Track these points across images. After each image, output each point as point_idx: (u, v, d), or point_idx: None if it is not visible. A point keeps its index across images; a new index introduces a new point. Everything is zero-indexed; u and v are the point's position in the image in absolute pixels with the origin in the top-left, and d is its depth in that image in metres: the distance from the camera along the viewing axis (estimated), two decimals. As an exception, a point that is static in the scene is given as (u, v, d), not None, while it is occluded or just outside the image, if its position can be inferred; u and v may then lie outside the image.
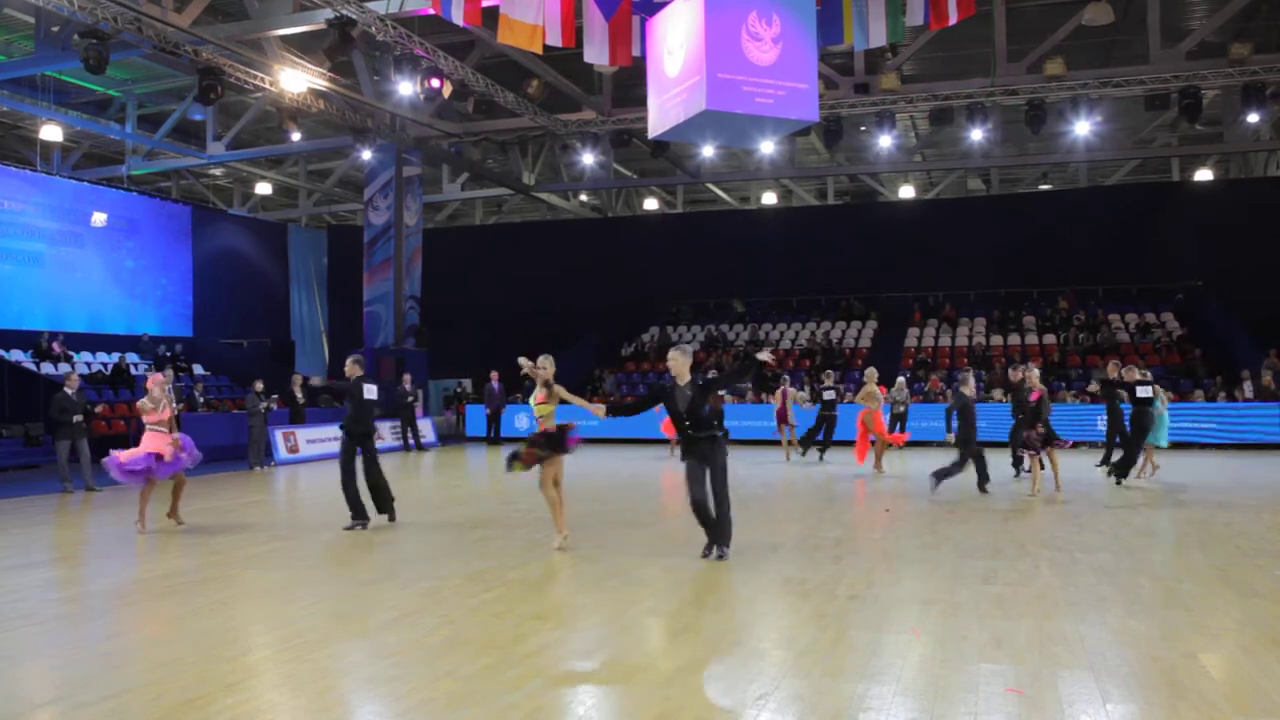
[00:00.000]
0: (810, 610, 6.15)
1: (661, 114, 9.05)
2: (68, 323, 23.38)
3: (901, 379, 18.32)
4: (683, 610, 6.32)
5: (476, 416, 24.39)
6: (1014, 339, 24.96)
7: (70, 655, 5.42)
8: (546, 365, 8.36)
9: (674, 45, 8.77)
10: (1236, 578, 6.96)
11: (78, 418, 13.89)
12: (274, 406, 18.26)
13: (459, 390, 29.44)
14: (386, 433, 21.50)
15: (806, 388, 22.61)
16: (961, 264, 26.85)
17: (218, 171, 29.43)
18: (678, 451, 8.09)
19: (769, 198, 31.76)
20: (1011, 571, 7.24)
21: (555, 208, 31.23)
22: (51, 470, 15.13)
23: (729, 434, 17.54)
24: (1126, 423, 13.62)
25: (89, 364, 22.48)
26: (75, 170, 26.10)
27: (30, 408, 19.07)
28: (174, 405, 10.56)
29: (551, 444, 8.22)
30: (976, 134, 20.25)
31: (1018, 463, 13.45)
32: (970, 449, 11.81)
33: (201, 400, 20.17)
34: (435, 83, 17.39)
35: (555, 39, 10.51)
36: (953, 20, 11.46)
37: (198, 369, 24.29)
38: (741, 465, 16.68)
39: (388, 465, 17.67)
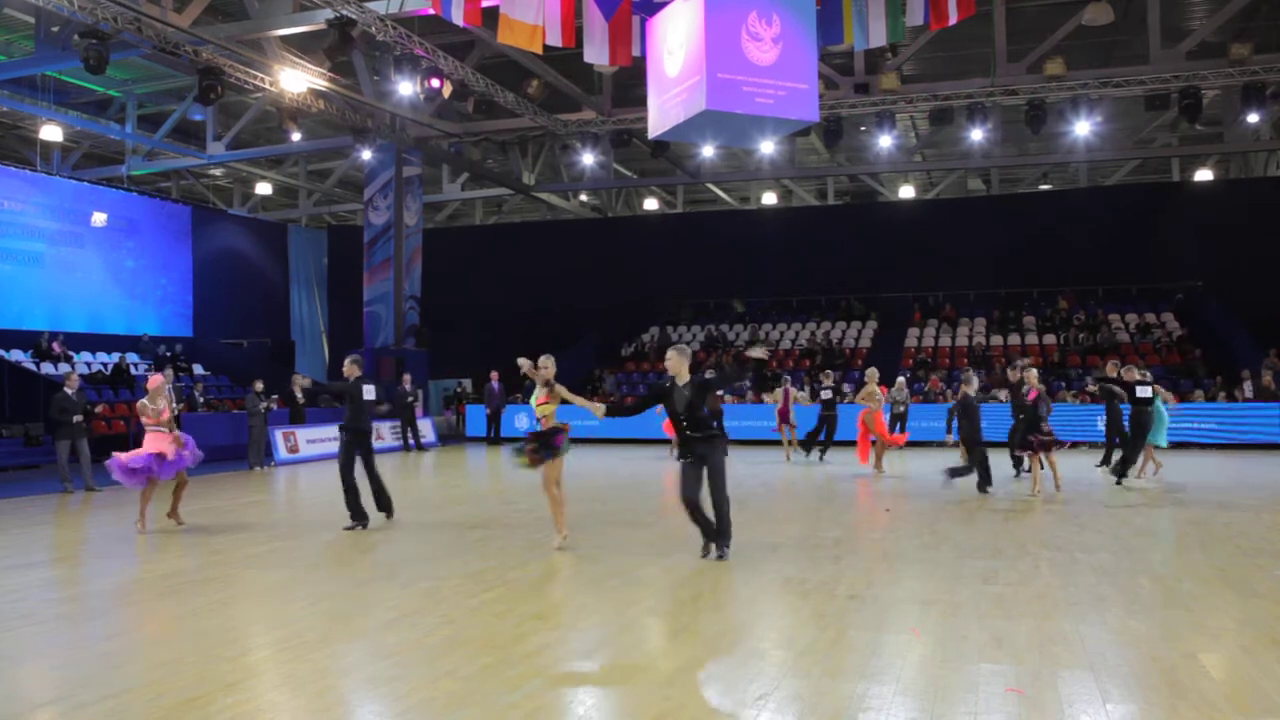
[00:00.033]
0: (810, 610, 6.15)
1: (661, 114, 9.06)
2: (68, 323, 23.38)
3: (901, 379, 18.32)
4: (683, 610, 6.32)
5: (476, 416, 24.40)
6: (1014, 339, 24.96)
7: (70, 655, 5.42)
8: (548, 365, 8.36)
9: (674, 45, 8.77)
10: (1236, 578, 6.96)
11: (78, 418, 13.88)
12: (274, 406, 18.26)
13: (459, 390, 29.44)
14: (386, 433, 21.51)
15: (806, 388, 22.63)
16: (961, 264, 26.85)
17: (218, 171, 29.43)
18: (677, 451, 8.09)
19: (769, 198, 31.76)
20: (1011, 571, 7.24)
21: (555, 208, 31.23)
22: (51, 470, 15.13)
23: (727, 434, 17.53)
24: (1125, 422, 13.62)
25: (89, 364, 22.48)
26: (75, 170, 26.10)
27: (30, 408, 19.07)
28: (174, 405, 10.56)
29: (542, 444, 8.22)
30: (976, 134, 20.25)
31: (1018, 463, 13.44)
32: (978, 448, 11.83)
33: (201, 400, 20.17)
34: (435, 83, 17.39)
35: (555, 39, 10.51)
36: (953, 20, 11.46)
37: (198, 369, 24.29)
38: (741, 465, 16.68)
39: (388, 465, 17.77)
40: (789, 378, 19.05)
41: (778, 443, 18.71)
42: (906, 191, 29.61)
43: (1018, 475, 13.41)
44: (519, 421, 23.60)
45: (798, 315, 28.63)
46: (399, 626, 5.84)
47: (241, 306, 28.87)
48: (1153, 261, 25.98)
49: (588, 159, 22.95)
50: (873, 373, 15.46)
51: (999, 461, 13.38)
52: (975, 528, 9.38)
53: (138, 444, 10.11)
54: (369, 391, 9.93)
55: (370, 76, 20.35)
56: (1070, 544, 8.38)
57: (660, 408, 8.00)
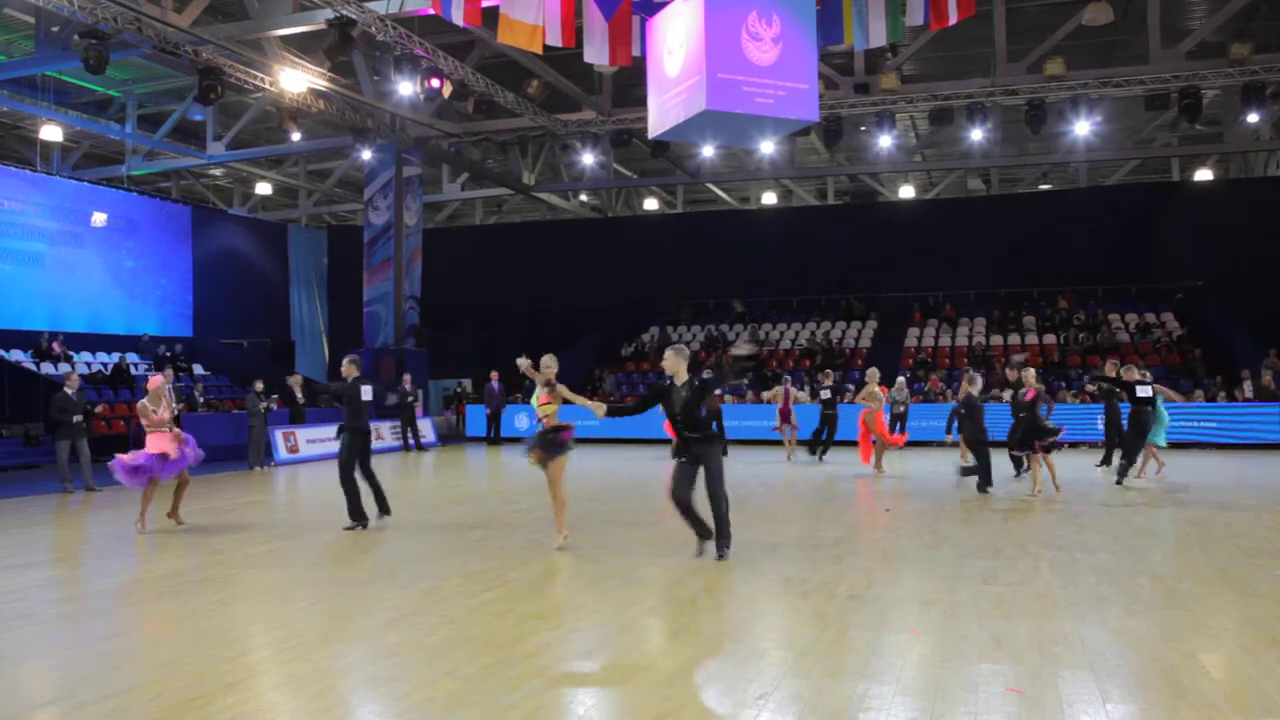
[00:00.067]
0: (810, 610, 6.15)
1: (661, 114, 9.06)
2: (68, 323, 23.38)
3: (901, 379, 18.33)
4: (683, 610, 6.32)
5: (476, 416, 24.40)
6: (1014, 339, 24.96)
7: (70, 655, 5.42)
8: (551, 365, 8.36)
9: (674, 45, 8.77)
10: (1236, 578, 6.96)
11: (78, 418, 13.88)
12: (274, 406, 18.26)
13: (459, 390, 29.44)
14: (386, 433, 21.51)
15: (806, 387, 22.64)
16: (961, 264, 26.85)
17: (218, 171, 29.43)
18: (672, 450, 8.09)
19: (769, 198, 31.76)
20: (1011, 571, 7.24)
21: (555, 208, 31.23)
22: (51, 470, 15.13)
23: (726, 435, 17.39)
24: (1124, 422, 13.60)
25: (89, 364, 22.48)
26: (75, 170, 26.10)
27: (30, 408, 19.07)
28: (174, 405, 10.56)
29: (545, 443, 8.23)
30: (976, 134, 20.25)
31: (1018, 463, 13.44)
32: (984, 448, 11.84)
33: (201, 400, 20.17)
34: (435, 83, 17.39)
35: (555, 39, 10.51)
36: (953, 20, 11.47)
37: (198, 369, 24.29)
38: (741, 465, 16.68)
39: (387, 465, 17.78)
40: (789, 377, 19.05)
41: (778, 443, 18.71)
42: (906, 191, 29.61)
43: (1018, 475, 13.40)
44: (519, 421, 23.62)
45: (798, 315, 28.63)
46: (399, 626, 5.84)
47: (241, 306, 28.87)
48: (1153, 261, 25.98)
49: (588, 159, 22.95)
50: (873, 373, 15.46)
51: (999, 461, 13.38)
52: (975, 528, 9.38)
53: (138, 444, 10.11)
54: (366, 392, 9.92)
55: (370, 76, 20.35)
56: (1070, 544, 8.38)
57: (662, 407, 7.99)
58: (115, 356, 23.28)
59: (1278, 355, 20.32)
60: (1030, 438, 11.68)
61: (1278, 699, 4.39)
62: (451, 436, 25.75)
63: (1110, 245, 26.30)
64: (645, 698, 4.54)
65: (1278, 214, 24.49)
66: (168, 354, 23.98)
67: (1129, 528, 9.37)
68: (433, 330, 26.46)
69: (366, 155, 23.84)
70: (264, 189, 29.84)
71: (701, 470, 7.65)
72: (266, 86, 18.67)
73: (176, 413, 10.65)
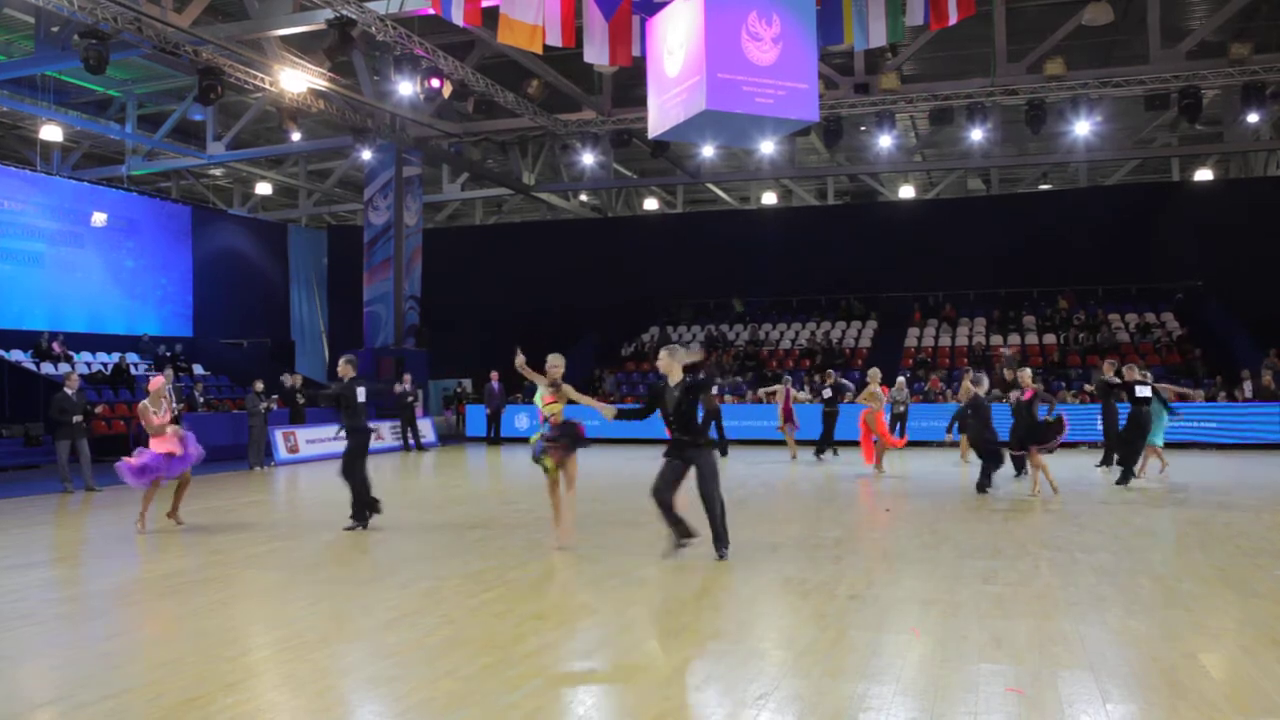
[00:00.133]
0: (810, 610, 6.15)
1: (661, 114, 9.06)
2: (68, 323, 23.38)
3: (902, 379, 18.34)
4: (683, 610, 6.32)
5: (476, 416, 24.39)
6: (1014, 339, 24.95)
7: (70, 655, 5.42)
8: (558, 365, 8.34)
9: (674, 45, 8.77)
10: (1236, 578, 6.96)
11: (78, 418, 13.88)
12: (274, 407, 18.26)
13: (459, 390, 29.44)
14: (386, 433, 21.51)
15: (806, 387, 22.65)
16: (961, 264, 26.85)
17: (218, 171, 29.43)
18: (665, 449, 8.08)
19: (769, 198, 31.76)
20: (1011, 571, 7.24)
21: (555, 208, 31.23)
22: (51, 470, 15.13)
23: (726, 435, 17.35)
24: (1122, 422, 13.60)
25: (89, 364, 22.47)
26: (75, 170, 26.11)
27: (30, 408, 19.07)
28: (174, 405, 10.57)
29: (572, 437, 8.22)
30: (976, 134, 20.25)
31: (1018, 463, 13.44)
32: (991, 447, 11.85)
33: (201, 400, 20.17)
34: (435, 83, 17.39)
35: (555, 39, 10.51)
36: (953, 20, 11.47)
37: (198, 369, 24.29)
38: (741, 465, 16.69)
39: (387, 465, 17.77)
40: (789, 377, 19.07)
41: (779, 443, 18.71)
42: (906, 191, 29.61)
43: (1018, 475, 13.41)
44: (519, 421, 23.62)
45: (798, 315, 28.63)
46: (399, 626, 5.84)
47: (241, 306, 28.87)
48: (1153, 261, 25.98)
49: (588, 159, 22.95)
50: (875, 373, 15.47)
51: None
52: (975, 528, 9.38)
53: (138, 444, 10.11)
54: (362, 394, 9.88)
55: (370, 76, 20.35)
56: (1070, 544, 8.38)
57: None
58: (115, 356, 23.27)
59: (1278, 355, 20.31)
60: (1029, 439, 11.68)
61: (1278, 699, 4.39)
62: (451, 436, 25.76)
63: (1110, 245, 26.29)
64: (645, 698, 4.54)
65: (1278, 214, 24.48)
66: (168, 354, 23.98)
67: (1129, 528, 9.37)
68: (433, 330, 26.46)
69: (366, 155, 23.84)
70: (264, 189, 29.84)
71: (694, 472, 7.60)
72: (266, 86, 18.67)
73: (177, 413, 10.65)
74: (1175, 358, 22.60)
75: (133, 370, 22.34)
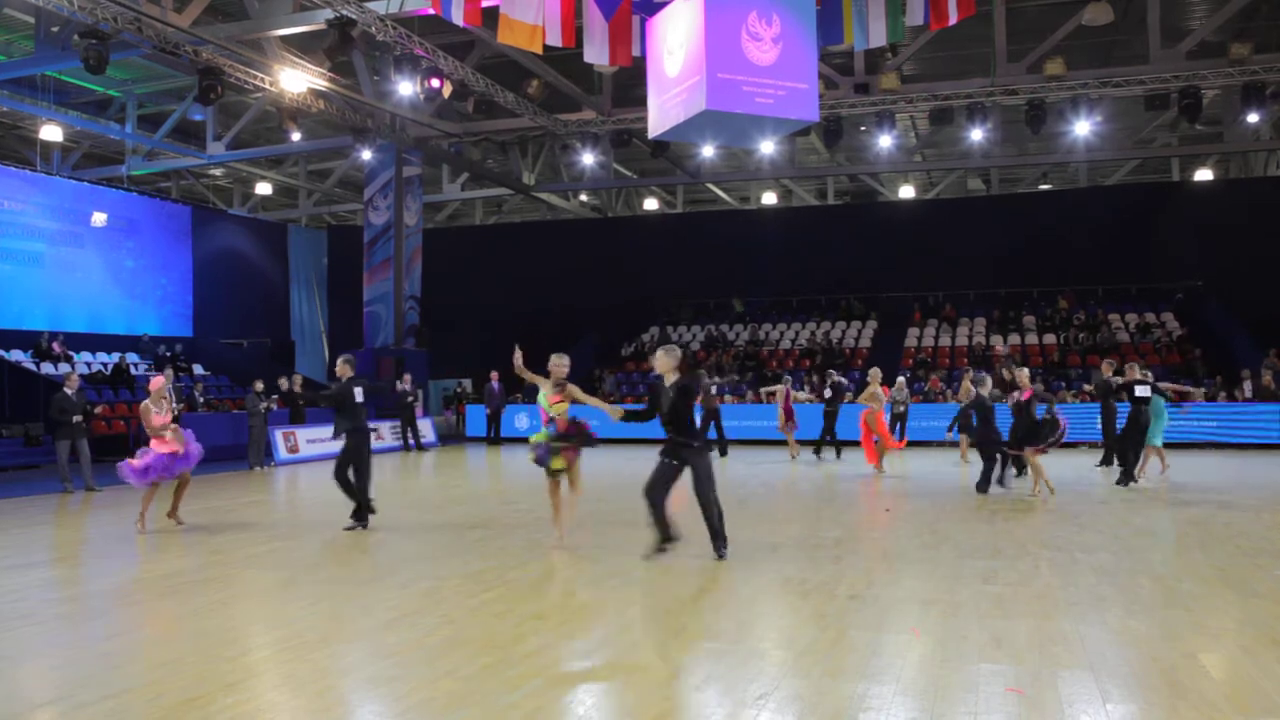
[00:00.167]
0: (810, 610, 6.15)
1: (661, 114, 9.05)
2: (68, 323, 23.38)
3: (902, 379, 18.35)
4: (683, 610, 6.32)
5: (476, 416, 24.39)
6: (1014, 339, 24.96)
7: (70, 655, 5.42)
8: (562, 365, 8.32)
9: (674, 45, 8.77)
10: (1236, 578, 6.95)
11: (78, 418, 13.88)
12: (274, 407, 18.26)
13: (459, 390, 29.44)
14: (386, 433, 21.52)
15: (805, 387, 22.65)
16: (961, 264, 26.85)
17: (218, 171, 29.43)
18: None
19: (769, 198, 31.76)
20: (1011, 571, 7.24)
21: (555, 208, 31.23)
22: (51, 470, 15.13)
23: (726, 435, 17.31)
24: (1122, 422, 13.59)
25: (89, 364, 22.47)
26: (75, 170, 26.11)
27: (30, 408, 19.07)
28: (174, 405, 10.57)
29: (583, 437, 8.21)
30: (976, 134, 20.26)
31: (1019, 463, 13.43)
32: (998, 447, 11.85)
33: (201, 400, 20.17)
34: (435, 83, 17.39)
35: (555, 39, 10.50)
36: (953, 20, 11.46)
37: (198, 369, 24.29)
38: (741, 465, 16.69)
39: (388, 465, 17.77)
40: (789, 377, 19.07)
41: (778, 443, 18.71)
42: (906, 191, 29.61)
43: (1019, 475, 13.40)
44: (519, 421, 23.62)
45: (798, 315, 28.63)
46: (399, 626, 5.84)
47: (241, 306, 28.87)
48: (1153, 261, 25.98)
49: (588, 159, 22.95)
50: (875, 373, 15.48)
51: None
52: (975, 528, 9.38)
53: (138, 444, 10.11)
54: (359, 394, 9.85)
55: (370, 76, 20.35)
56: (1070, 544, 8.38)
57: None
58: (115, 356, 23.28)
59: (1278, 355, 20.32)
60: (1026, 439, 11.68)
61: (1278, 699, 4.39)
62: (451, 436, 25.75)
63: (1110, 245, 26.29)
64: (645, 698, 4.54)
65: (1278, 214, 24.48)
66: (168, 354, 23.98)
67: (1129, 528, 9.37)
68: (433, 330, 26.45)
69: (366, 155, 23.84)
70: (264, 189, 29.84)
71: (689, 475, 7.59)
72: (266, 86, 18.67)
73: (177, 413, 10.66)
74: (1175, 358, 22.59)
75: (133, 370, 22.34)
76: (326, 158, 28.82)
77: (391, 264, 25.08)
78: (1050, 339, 24.75)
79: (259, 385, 18.18)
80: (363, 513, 9.74)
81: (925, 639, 5.41)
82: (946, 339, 25.70)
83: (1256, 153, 26.35)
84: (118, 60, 18.09)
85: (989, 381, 12.15)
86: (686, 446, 7.62)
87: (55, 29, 17.98)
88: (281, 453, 18.44)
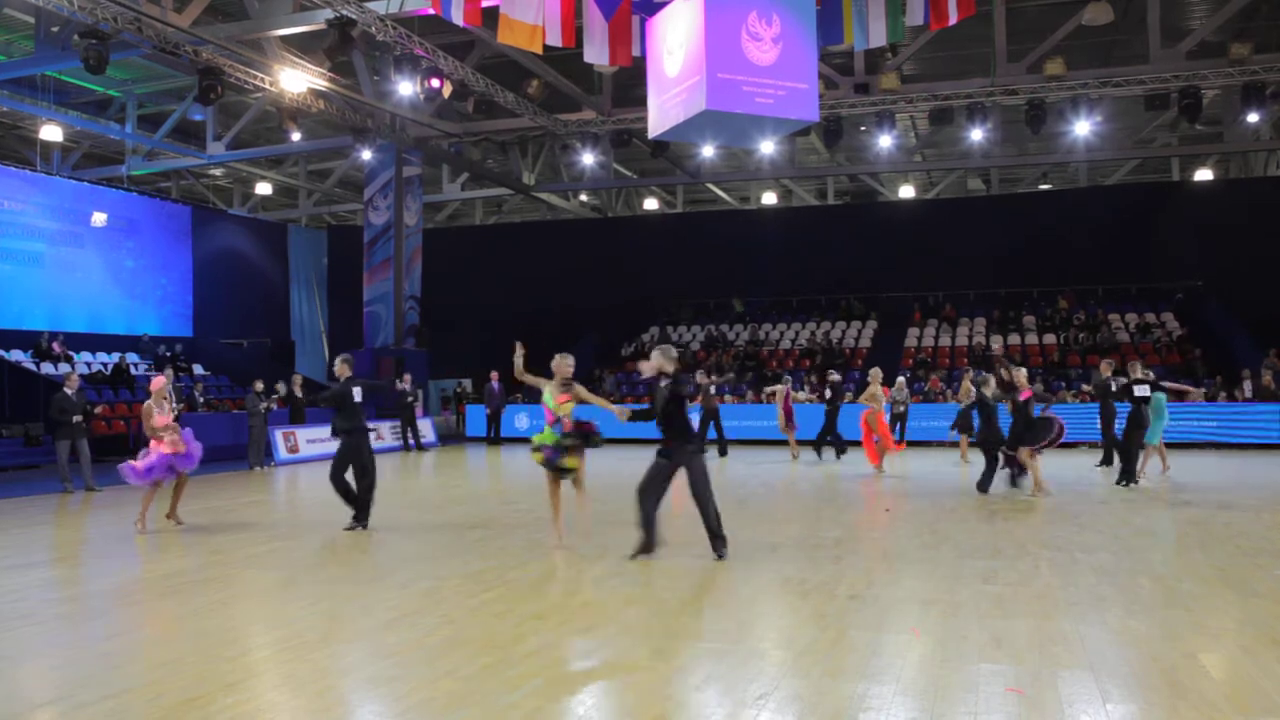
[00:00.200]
0: (810, 610, 6.15)
1: (661, 114, 9.05)
2: (68, 323, 23.38)
3: (901, 379, 18.34)
4: (683, 610, 6.32)
5: (476, 416, 24.39)
6: (1014, 339, 24.96)
7: (70, 655, 5.42)
8: (568, 364, 8.30)
9: (674, 45, 8.77)
10: (1236, 578, 6.95)
11: (78, 418, 13.87)
12: (274, 406, 18.24)
13: (459, 390, 29.43)
14: (386, 433, 21.52)
15: (805, 387, 22.66)
16: (961, 264, 26.85)
17: (218, 171, 29.44)
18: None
19: (769, 198, 31.76)
20: (1011, 571, 7.24)
21: (555, 208, 31.23)
22: (51, 470, 15.13)
23: (725, 435, 17.23)
24: (1120, 423, 13.57)
25: (89, 364, 22.47)
26: (75, 170, 26.11)
27: (30, 408, 19.06)
28: (174, 405, 10.57)
29: (590, 437, 8.20)
30: (976, 134, 20.26)
31: (1011, 462, 13.42)
32: (1001, 447, 11.85)
33: (201, 400, 20.17)
34: (435, 83, 17.39)
35: (555, 39, 10.50)
36: (953, 20, 11.46)
37: (198, 369, 24.29)
38: (741, 465, 16.69)
39: (388, 465, 17.76)
40: (789, 378, 19.07)
41: (778, 443, 18.71)
42: (906, 191, 29.62)
43: (1019, 475, 13.38)
44: (519, 421, 23.62)
45: (798, 315, 28.63)
46: (399, 626, 5.84)
47: (241, 306, 28.87)
48: (1153, 261, 25.98)
49: (588, 159, 22.96)
50: (876, 373, 15.48)
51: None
52: (975, 528, 9.38)
53: (138, 444, 10.11)
54: (358, 394, 9.83)
55: (370, 76, 20.35)
56: (1070, 544, 8.38)
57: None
58: (115, 356, 23.28)
59: (1278, 355, 20.32)
60: (1022, 439, 11.70)
61: (1278, 699, 4.39)
62: (451, 436, 25.75)
63: (1110, 245, 26.29)
64: (645, 698, 4.54)
65: (1278, 214, 24.48)
66: (168, 354, 23.98)
67: (1129, 528, 9.37)
68: (433, 330, 26.45)
69: (366, 155, 23.85)
70: (264, 189, 29.85)
71: (686, 476, 7.62)
72: (266, 86, 18.67)
73: (177, 413, 10.66)
74: (1175, 358, 22.59)
75: (133, 370, 22.34)
76: (326, 158, 28.82)
77: (391, 264, 25.08)
78: (1050, 339, 24.75)
79: (259, 385, 18.18)
80: (363, 513, 9.73)
81: (925, 639, 5.41)
82: (946, 339, 25.70)
83: (1256, 153, 26.35)
84: (118, 60, 18.09)
85: (993, 381, 12.15)
86: (677, 447, 7.62)
87: (55, 29, 17.98)
88: (281, 453, 18.44)
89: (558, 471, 8.29)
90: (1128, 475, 12.76)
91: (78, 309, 23.93)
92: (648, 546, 7.74)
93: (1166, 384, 14.17)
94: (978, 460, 12.48)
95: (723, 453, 18.32)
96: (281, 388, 18.72)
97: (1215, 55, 18.53)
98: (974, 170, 28.35)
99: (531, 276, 30.43)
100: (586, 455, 8.39)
